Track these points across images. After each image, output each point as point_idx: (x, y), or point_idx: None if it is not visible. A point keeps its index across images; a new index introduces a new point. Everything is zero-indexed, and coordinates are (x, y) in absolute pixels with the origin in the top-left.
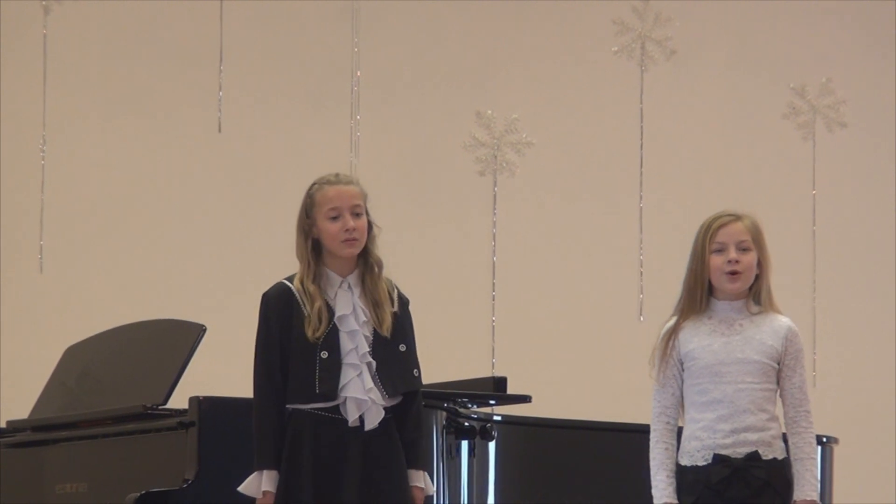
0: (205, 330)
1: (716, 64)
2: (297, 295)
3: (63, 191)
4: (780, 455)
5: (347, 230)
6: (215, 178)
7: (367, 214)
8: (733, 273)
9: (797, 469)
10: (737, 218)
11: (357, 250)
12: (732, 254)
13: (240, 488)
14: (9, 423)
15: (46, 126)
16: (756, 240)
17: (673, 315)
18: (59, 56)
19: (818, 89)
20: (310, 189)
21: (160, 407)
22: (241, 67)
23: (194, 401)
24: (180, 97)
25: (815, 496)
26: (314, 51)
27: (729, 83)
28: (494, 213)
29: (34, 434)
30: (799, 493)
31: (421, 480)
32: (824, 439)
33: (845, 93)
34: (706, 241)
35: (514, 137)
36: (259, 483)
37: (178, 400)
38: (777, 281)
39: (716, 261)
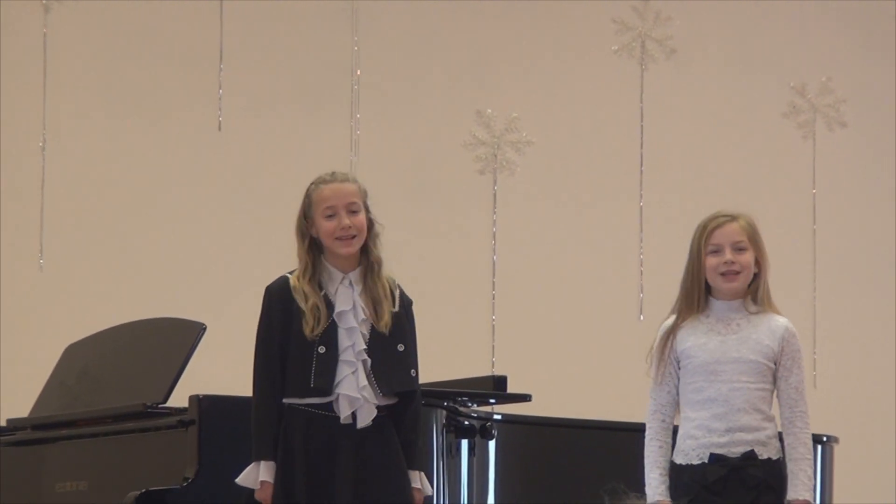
0: (205, 328)
1: (716, 63)
2: (294, 293)
3: (63, 190)
4: (776, 455)
5: (343, 228)
6: (215, 178)
7: (368, 212)
8: (729, 273)
9: (791, 469)
10: (732, 218)
11: (354, 248)
12: (728, 255)
13: (238, 479)
14: (9, 421)
15: (46, 125)
16: (752, 239)
17: (671, 314)
18: (59, 55)
19: (818, 88)
20: (308, 189)
21: (160, 405)
22: (241, 66)
23: (194, 399)
24: (180, 96)
25: (809, 496)
26: (314, 50)
27: (729, 82)
28: (494, 212)
29: (34, 432)
30: (792, 493)
31: (417, 481)
32: (824, 438)
33: (845, 92)
34: (702, 242)
35: (515, 136)
36: (257, 474)
37: (179, 398)
38: (777, 280)
39: (711, 262)
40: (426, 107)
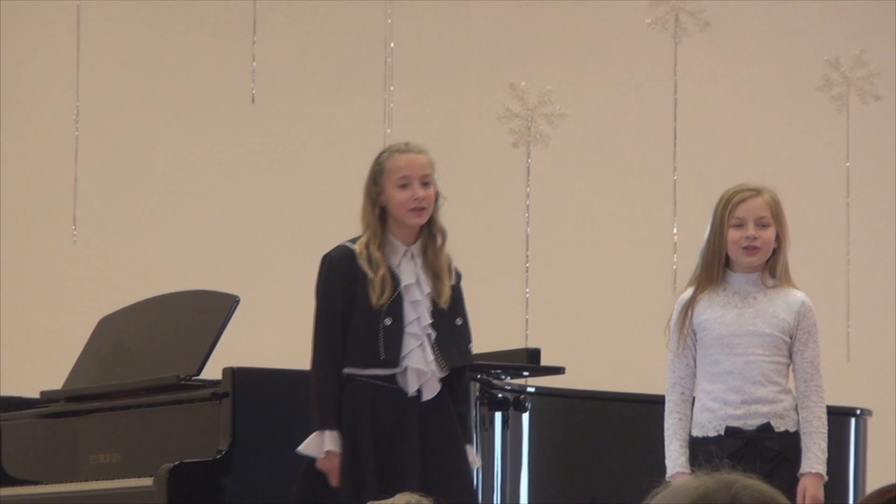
0: (238, 301)
1: (749, 36)
2: (360, 259)
3: (97, 163)
4: (793, 428)
5: (416, 199)
6: (248, 150)
7: (434, 184)
8: (750, 248)
9: (805, 443)
10: (757, 193)
11: (424, 220)
12: (751, 230)
13: (300, 448)
14: (42, 393)
15: (80, 97)
16: (775, 215)
17: (689, 286)
18: (92, 27)
19: (852, 61)
20: (379, 157)
21: (194, 378)
22: (275, 38)
23: (228, 372)
24: (213, 68)
25: (822, 470)
26: (348, 22)
27: (763, 55)
28: (528, 185)
29: (68, 405)
30: (805, 466)
31: (470, 454)
32: (857, 412)
33: (879, 65)
34: (725, 214)
35: (548, 109)
36: (321, 443)
37: (212, 371)
38: (810, 254)
39: (734, 235)
40: (460, 80)
